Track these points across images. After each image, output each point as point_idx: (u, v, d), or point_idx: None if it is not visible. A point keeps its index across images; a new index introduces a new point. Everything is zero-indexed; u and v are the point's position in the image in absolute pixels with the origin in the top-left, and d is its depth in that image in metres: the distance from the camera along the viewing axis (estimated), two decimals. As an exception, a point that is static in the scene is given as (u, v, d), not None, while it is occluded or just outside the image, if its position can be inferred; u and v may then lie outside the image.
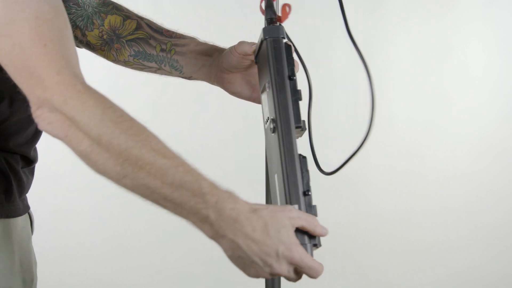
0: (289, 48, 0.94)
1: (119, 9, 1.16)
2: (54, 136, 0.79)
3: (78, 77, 0.79)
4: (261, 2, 0.97)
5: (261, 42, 0.96)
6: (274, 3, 0.99)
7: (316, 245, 0.83)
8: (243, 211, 0.79)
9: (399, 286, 2.93)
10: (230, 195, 0.79)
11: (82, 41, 1.14)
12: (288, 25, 0.97)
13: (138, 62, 1.15)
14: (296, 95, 0.91)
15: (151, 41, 1.13)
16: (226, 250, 0.80)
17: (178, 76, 1.15)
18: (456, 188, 3.02)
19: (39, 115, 0.78)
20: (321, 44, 2.92)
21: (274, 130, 0.90)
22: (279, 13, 0.96)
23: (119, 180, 0.78)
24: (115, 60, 1.16)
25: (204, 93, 2.38)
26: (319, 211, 0.86)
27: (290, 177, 0.86)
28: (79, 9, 1.12)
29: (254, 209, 0.80)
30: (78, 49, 0.88)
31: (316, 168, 0.95)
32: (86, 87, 0.79)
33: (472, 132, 3.05)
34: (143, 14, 1.18)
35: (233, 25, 2.69)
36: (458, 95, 3.07)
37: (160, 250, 2.79)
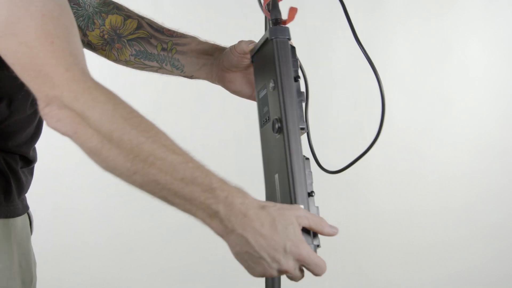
0: (293, 49, 0.94)
1: (119, 8, 1.16)
2: (63, 133, 0.78)
3: (86, 74, 0.79)
4: (265, 3, 0.98)
5: (264, 41, 0.96)
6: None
7: (318, 246, 0.85)
8: (252, 206, 0.79)
9: (399, 286, 2.93)
10: (239, 191, 0.80)
11: (83, 41, 1.14)
12: (288, 26, 0.97)
13: (139, 62, 1.15)
14: (301, 97, 0.92)
15: (152, 41, 1.13)
16: (233, 246, 0.80)
17: (179, 75, 1.16)
18: (456, 188, 3.03)
19: (48, 113, 0.78)
20: (321, 45, 2.92)
21: (278, 130, 0.90)
22: (283, 15, 0.97)
23: (129, 176, 0.79)
24: (116, 60, 1.16)
25: (205, 93, 2.38)
26: (320, 210, 0.87)
27: (297, 178, 0.87)
28: (80, 9, 1.12)
29: (263, 205, 0.81)
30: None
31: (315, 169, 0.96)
32: (96, 83, 0.79)
33: (472, 132, 3.05)
34: (144, 14, 1.18)
35: (233, 25, 2.69)
36: (458, 95, 3.07)
37: (164, 249, 2.79)
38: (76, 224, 2.75)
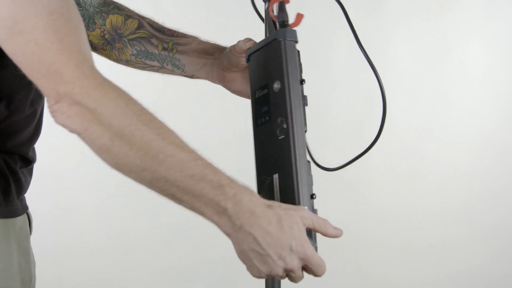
0: (299, 53, 0.95)
1: (120, 8, 1.16)
2: (72, 130, 0.78)
3: (96, 70, 0.79)
4: (271, 5, 0.99)
5: (270, 41, 0.97)
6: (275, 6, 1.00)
7: (316, 248, 0.86)
8: (259, 204, 0.80)
9: (399, 286, 2.93)
10: (247, 189, 0.81)
11: (84, 41, 1.14)
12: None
13: (140, 61, 1.15)
14: (304, 100, 0.93)
15: (153, 40, 1.13)
16: (240, 244, 0.81)
17: (180, 75, 1.16)
18: (456, 188, 3.03)
19: (57, 110, 0.77)
20: (320, 45, 2.92)
21: (284, 131, 0.91)
22: (287, 18, 0.98)
23: (139, 173, 0.79)
24: (117, 60, 1.16)
25: (205, 93, 2.38)
26: (319, 210, 0.88)
27: (302, 180, 0.88)
28: (81, 9, 1.12)
29: (269, 204, 0.82)
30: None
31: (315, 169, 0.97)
32: (106, 80, 0.79)
33: (472, 132, 3.05)
34: (144, 14, 1.18)
35: (233, 25, 2.69)
36: (458, 95, 3.07)
37: (164, 249, 2.79)
38: (76, 224, 2.75)
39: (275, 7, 0.98)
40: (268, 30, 1.02)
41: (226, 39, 1.16)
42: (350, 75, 2.88)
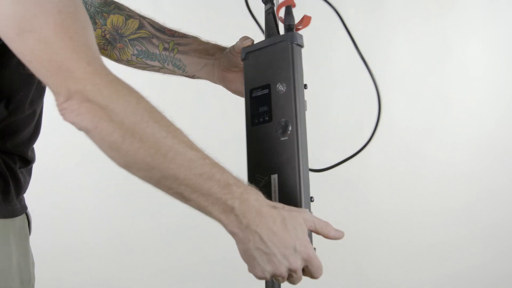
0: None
1: (121, 8, 1.16)
2: (81, 128, 0.78)
3: (106, 68, 0.80)
4: (278, 9, 1.00)
5: (274, 43, 0.97)
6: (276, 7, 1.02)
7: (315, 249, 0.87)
8: (265, 204, 0.82)
9: (399, 286, 2.93)
10: (252, 188, 0.82)
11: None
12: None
13: (141, 61, 1.15)
14: (305, 105, 0.95)
15: (154, 40, 1.14)
16: (245, 243, 0.81)
17: (181, 75, 1.16)
18: (456, 188, 3.03)
19: (67, 107, 0.77)
20: (320, 45, 2.92)
21: (287, 133, 0.92)
22: (294, 22, 0.99)
23: (148, 171, 0.79)
24: (118, 60, 1.16)
25: (205, 93, 2.38)
26: (319, 210, 0.89)
27: (305, 182, 0.90)
28: (81, 9, 1.12)
29: (273, 205, 0.83)
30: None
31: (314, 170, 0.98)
32: (116, 77, 0.79)
33: (472, 132, 3.05)
34: (144, 14, 1.18)
35: (233, 25, 2.69)
36: (458, 95, 3.07)
37: (164, 249, 2.79)
38: (76, 224, 2.76)
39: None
40: (267, 31, 1.02)
41: (226, 39, 1.16)
42: (350, 75, 2.88)
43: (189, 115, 2.81)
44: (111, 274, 2.73)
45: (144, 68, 1.17)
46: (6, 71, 0.90)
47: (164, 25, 1.16)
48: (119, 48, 1.15)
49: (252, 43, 1.03)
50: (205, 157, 0.81)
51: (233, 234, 0.82)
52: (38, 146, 1.05)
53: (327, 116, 2.95)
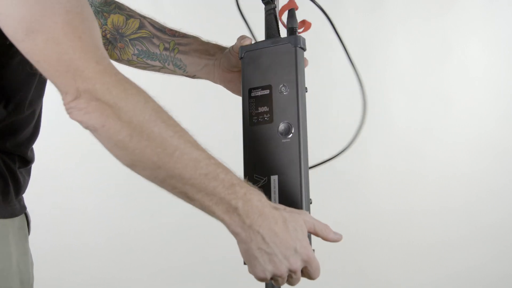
0: None
1: (121, 8, 1.16)
2: (88, 126, 0.78)
3: (114, 67, 0.80)
4: (281, 12, 1.01)
5: (277, 44, 0.98)
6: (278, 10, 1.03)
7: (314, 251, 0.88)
8: (267, 205, 0.82)
9: (399, 286, 2.93)
10: (255, 189, 0.83)
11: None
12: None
13: (141, 61, 1.15)
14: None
15: (154, 40, 1.14)
16: (247, 243, 0.82)
17: (181, 75, 1.16)
18: (456, 188, 3.03)
19: (75, 106, 0.77)
20: (320, 45, 2.91)
21: (287, 135, 0.94)
22: (297, 25, 1.01)
23: (154, 170, 0.79)
24: (119, 59, 1.17)
25: (205, 93, 2.38)
26: (319, 210, 0.89)
27: (306, 185, 0.91)
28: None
29: (275, 206, 0.84)
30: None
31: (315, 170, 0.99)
32: (125, 76, 0.80)
33: (472, 132, 3.05)
34: (145, 13, 1.18)
35: (233, 25, 2.69)
36: (458, 95, 3.07)
37: (164, 249, 2.80)
38: (76, 224, 2.76)
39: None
40: (267, 31, 1.03)
41: (226, 39, 1.16)
42: (350, 75, 2.87)
43: (189, 115, 2.80)
44: (111, 274, 2.73)
45: (144, 68, 1.17)
46: (6, 72, 0.90)
47: (164, 25, 1.17)
48: (120, 48, 1.15)
49: (251, 42, 1.03)
50: (210, 157, 0.81)
51: (235, 234, 0.82)
52: (38, 146, 1.05)
53: (327, 116, 2.95)
